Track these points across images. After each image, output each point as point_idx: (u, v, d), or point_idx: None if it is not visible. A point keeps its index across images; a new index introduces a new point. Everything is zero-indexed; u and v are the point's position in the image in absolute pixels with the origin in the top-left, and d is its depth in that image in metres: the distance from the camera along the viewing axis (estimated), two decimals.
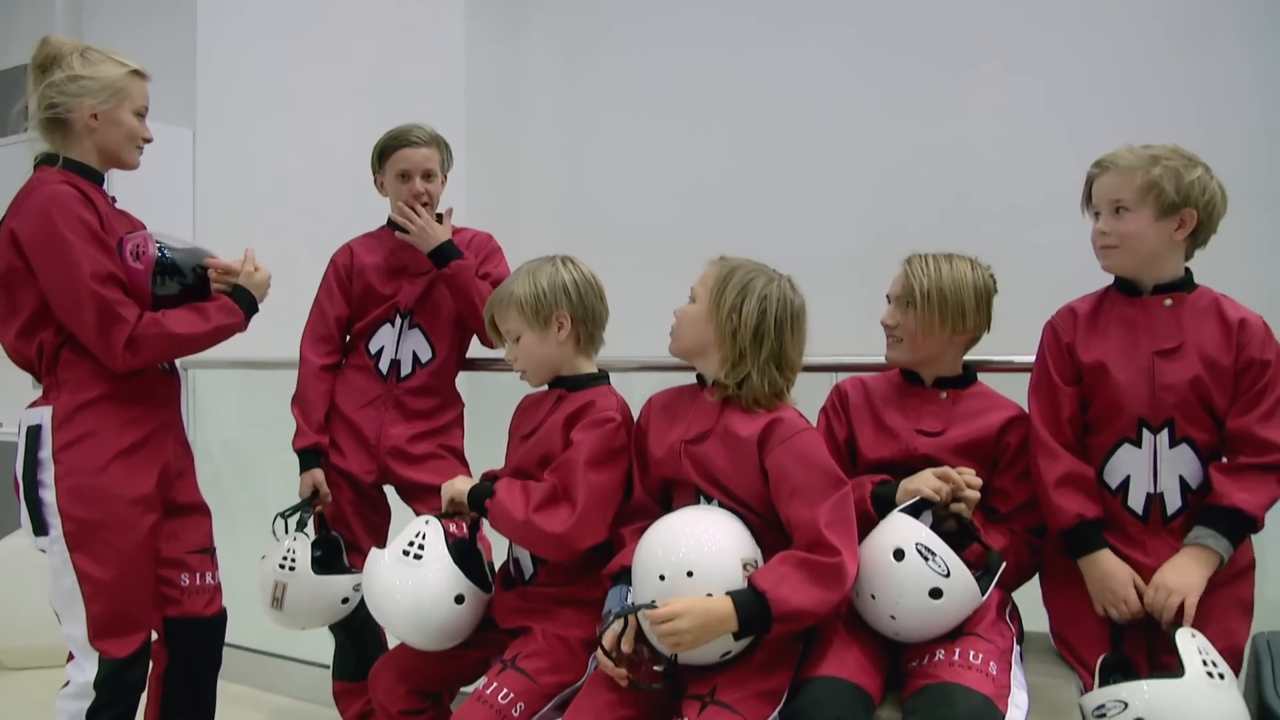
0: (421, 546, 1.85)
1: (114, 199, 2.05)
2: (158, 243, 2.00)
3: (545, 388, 2.02)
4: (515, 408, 2.08)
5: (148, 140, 2.05)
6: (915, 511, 1.73)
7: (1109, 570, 1.73)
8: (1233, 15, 3.46)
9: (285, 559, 2.24)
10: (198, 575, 2.11)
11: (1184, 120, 3.24)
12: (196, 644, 2.13)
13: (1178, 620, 1.64)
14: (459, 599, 1.84)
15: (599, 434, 1.86)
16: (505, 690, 1.74)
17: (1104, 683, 1.63)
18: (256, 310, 2.11)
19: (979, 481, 1.75)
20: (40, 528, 1.91)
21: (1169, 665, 1.59)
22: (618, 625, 1.65)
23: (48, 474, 1.90)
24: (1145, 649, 1.70)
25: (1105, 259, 1.82)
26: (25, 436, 1.92)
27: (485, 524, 1.97)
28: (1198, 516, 1.73)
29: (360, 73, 4.25)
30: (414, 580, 1.83)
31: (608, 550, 1.85)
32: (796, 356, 1.78)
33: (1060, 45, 3.63)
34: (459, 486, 1.94)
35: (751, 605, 1.56)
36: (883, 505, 1.78)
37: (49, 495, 1.89)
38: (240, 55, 3.84)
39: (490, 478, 1.97)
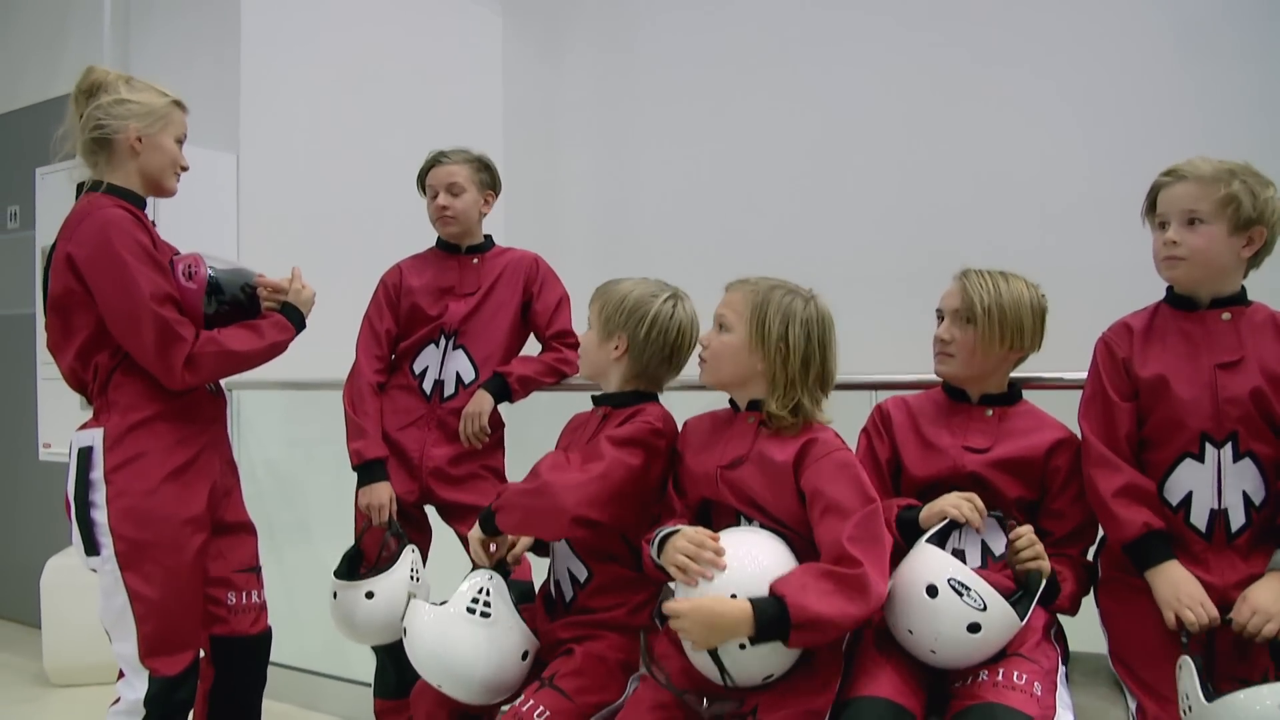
0: (489, 604, 1.81)
1: (153, 223, 2.08)
2: (207, 263, 2.03)
3: (592, 407, 2.03)
4: (564, 425, 2.09)
5: (185, 168, 2.09)
6: (944, 534, 1.70)
7: (1181, 578, 1.68)
8: None
9: (414, 572, 2.26)
10: (244, 594, 2.12)
11: (1239, 131, 3.18)
12: (242, 662, 2.14)
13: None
14: (525, 655, 1.83)
15: (632, 426, 1.87)
16: (541, 708, 1.73)
17: (1205, 689, 1.52)
18: (304, 327, 2.15)
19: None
20: (92, 548, 1.92)
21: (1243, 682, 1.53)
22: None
23: (99, 495, 1.91)
24: (1205, 664, 1.64)
25: (1170, 270, 1.78)
26: (77, 458, 1.94)
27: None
28: (1264, 533, 1.69)
29: (400, 96, 4.30)
30: (484, 640, 1.79)
31: (645, 580, 1.84)
32: (836, 371, 1.79)
33: (1105, 57, 3.58)
34: (474, 529, 1.92)
35: (770, 609, 1.53)
36: (906, 529, 1.75)
37: (101, 516, 1.91)
38: (282, 81, 3.89)
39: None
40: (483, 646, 1.78)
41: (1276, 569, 1.65)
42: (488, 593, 1.82)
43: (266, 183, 3.80)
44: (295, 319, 2.13)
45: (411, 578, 2.25)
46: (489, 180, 2.55)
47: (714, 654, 1.57)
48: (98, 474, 1.92)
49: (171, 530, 1.94)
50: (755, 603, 1.54)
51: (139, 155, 1.99)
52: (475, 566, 1.93)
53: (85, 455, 1.93)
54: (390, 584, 2.23)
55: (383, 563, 2.29)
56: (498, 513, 1.85)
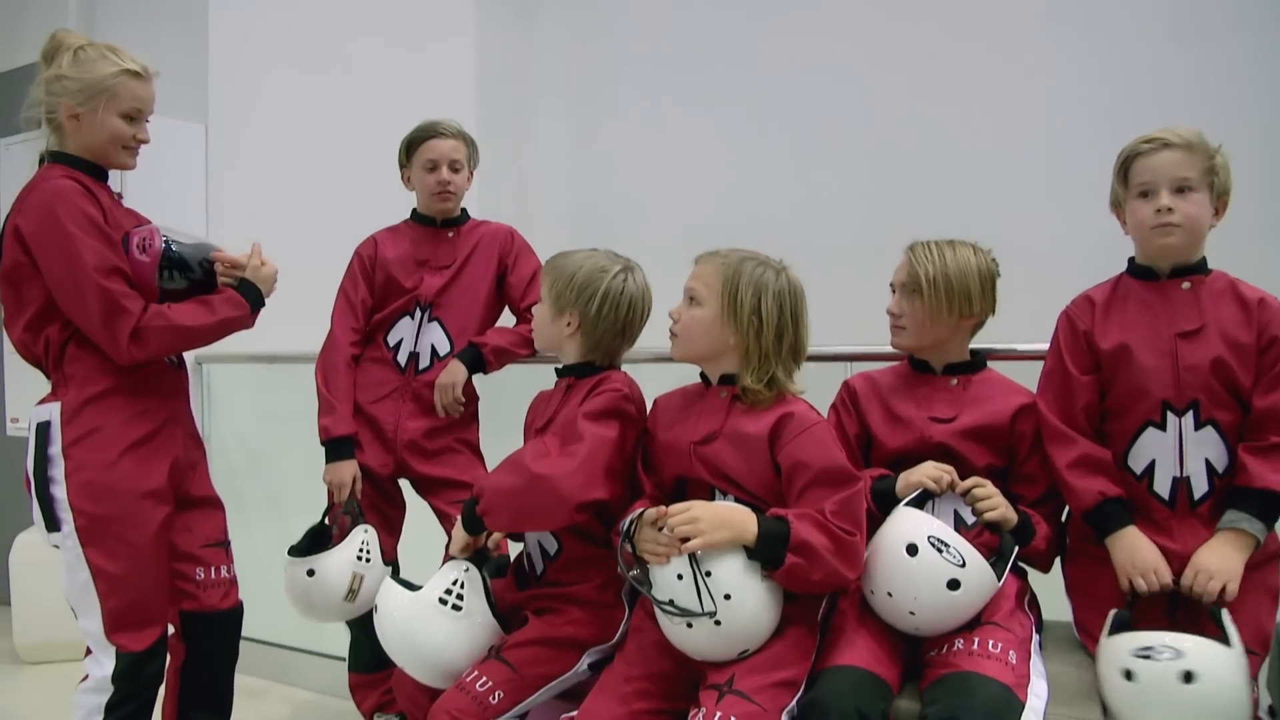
0: (460, 597, 1.80)
1: (120, 195, 2.05)
2: (165, 237, 1.98)
3: (556, 380, 2.02)
4: (530, 403, 2.08)
5: (141, 141, 2.00)
6: (919, 504, 1.72)
7: (1137, 544, 1.71)
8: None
9: (362, 551, 2.24)
10: (212, 569, 2.11)
11: (1190, 108, 3.21)
12: (214, 638, 2.13)
13: (1217, 603, 1.62)
14: (494, 650, 1.83)
15: (602, 397, 1.85)
16: (485, 679, 1.74)
17: (1113, 634, 1.61)
18: (263, 304, 2.09)
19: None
20: (52, 524, 1.91)
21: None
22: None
23: (58, 470, 1.89)
24: (1166, 627, 1.67)
25: (1164, 238, 1.75)
26: (35, 433, 1.91)
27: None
28: (1226, 499, 1.72)
29: (372, 65, 4.25)
30: (452, 632, 1.79)
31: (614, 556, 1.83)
32: (808, 342, 1.79)
33: (1066, 36, 3.62)
34: (457, 530, 1.88)
35: (772, 524, 1.60)
36: (881, 499, 1.78)
37: (60, 491, 1.89)
38: (252, 50, 3.84)
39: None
40: (449, 638, 1.78)
41: (1224, 528, 1.68)
42: (461, 585, 1.81)
43: (235, 154, 3.75)
44: (252, 296, 2.06)
45: (360, 558, 2.23)
46: (476, 157, 2.54)
47: (706, 577, 1.58)
48: (55, 449, 1.89)
49: (132, 504, 1.92)
50: (759, 515, 1.61)
51: (78, 132, 1.93)
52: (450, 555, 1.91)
53: (43, 430, 1.91)
54: (331, 563, 2.21)
55: (334, 541, 2.28)
56: (485, 515, 1.80)
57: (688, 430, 1.80)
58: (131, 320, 1.88)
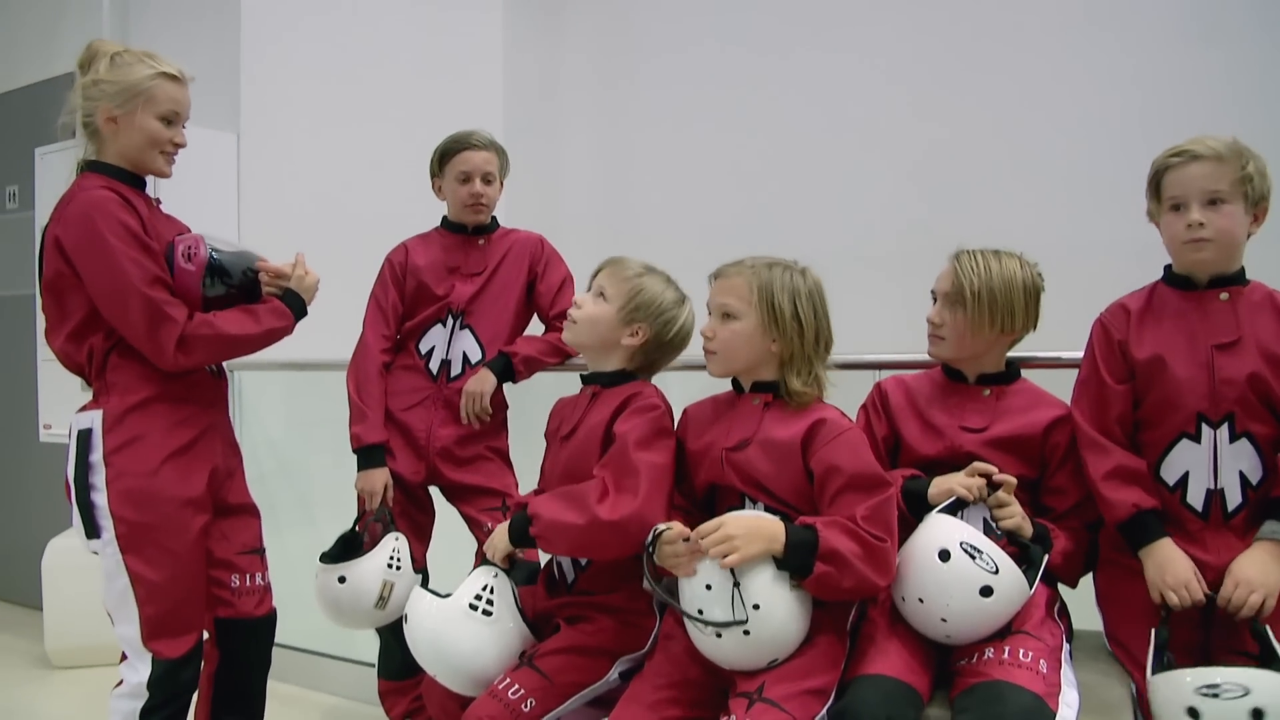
0: (490, 602, 1.81)
1: (158, 201, 2.06)
2: (209, 245, 1.99)
3: (580, 387, 2.02)
4: (550, 411, 2.09)
5: (178, 145, 2.01)
6: (952, 511, 1.72)
7: (1171, 556, 1.70)
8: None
9: (393, 559, 2.24)
10: (248, 576, 2.11)
11: (1217, 111, 3.19)
12: (247, 644, 2.14)
13: (1257, 617, 1.61)
14: (523, 656, 1.83)
15: (644, 420, 1.85)
16: (517, 687, 1.75)
17: (1159, 660, 1.59)
18: (305, 314, 2.11)
19: (1012, 480, 1.74)
20: (92, 531, 1.91)
21: (1238, 658, 1.57)
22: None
23: (99, 477, 1.90)
24: (1201, 639, 1.66)
25: (1196, 253, 1.74)
26: (76, 440, 1.92)
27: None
28: (1261, 511, 1.70)
29: (400, 77, 4.29)
30: (482, 637, 1.80)
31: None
32: (833, 334, 1.82)
33: (1103, 38, 3.59)
34: (499, 538, 1.88)
35: (801, 532, 1.60)
36: (911, 499, 1.78)
37: (100, 498, 1.89)
38: (283, 61, 3.88)
39: (519, 506, 1.93)
40: (479, 643, 1.79)
41: (1263, 539, 1.67)
42: (491, 590, 1.82)
43: (267, 162, 3.80)
44: (295, 305, 2.08)
45: (390, 566, 2.23)
46: (507, 167, 2.55)
47: (736, 587, 1.59)
48: (97, 456, 1.90)
49: (172, 512, 1.93)
50: (787, 524, 1.61)
51: (116, 136, 1.93)
52: (483, 559, 1.92)
53: (84, 438, 1.91)
54: (362, 570, 2.22)
55: (366, 548, 2.29)
56: (540, 539, 1.82)
57: (720, 437, 1.81)
58: (176, 329, 1.89)
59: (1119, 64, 3.56)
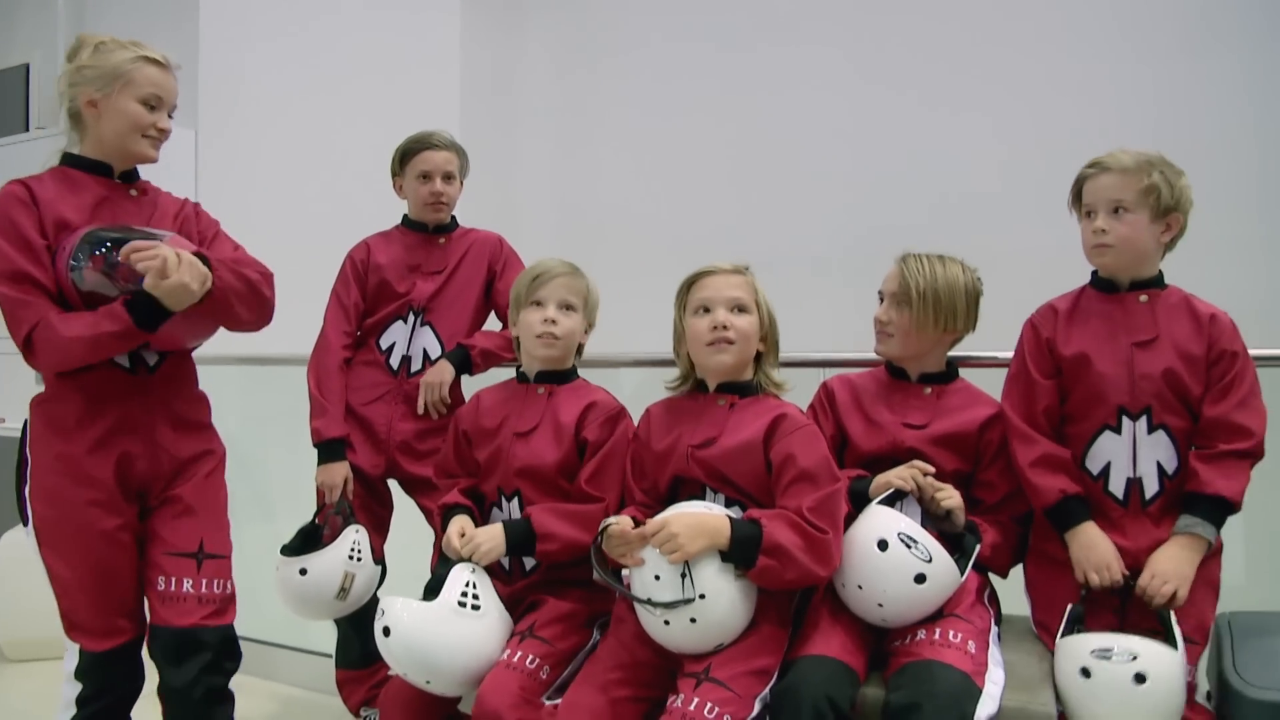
0: (476, 597, 1.85)
1: (140, 191, 2.00)
2: (98, 236, 1.82)
3: (527, 380, 2.10)
4: (483, 401, 2.13)
5: (162, 130, 1.95)
6: (890, 503, 1.82)
7: (1094, 539, 1.82)
8: (1213, 18, 3.53)
9: (354, 551, 2.28)
10: (172, 580, 1.94)
11: (1159, 123, 3.31)
12: (167, 657, 1.93)
13: (1166, 606, 1.73)
14: (528, 630, 1.90)
15: (621, 432, 2.02)
16: (532, 656, 1.82)
17: (1068, 630, 1.73)
18: (163, 317, 1.81)
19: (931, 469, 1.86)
20: (24, 519, 1.93)
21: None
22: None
23: (27, 468, 1.92)
24: (1117, 620, 1.78)
25: (1100, 257, 1.89)
26: (21, 428, 1.95)
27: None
28: (1176, 499, 1.83)
29: (360, 73, 4.31)
30: (475, 632, 1.83)
31: None
32: None
33: (1034, 52, 3.70)
34: (496, 543, 1.91)
35: (745, 527, 1.70)
36: (857, 499, 1.87)
37: (26, 489, 1.91)
38: (242, 56, 3.89)
39: (453, 506, 2.02)
40: (474, 639, 1.82)
41: (1179, 534, 1.79)
42: (474, 585, 1.86)
43: (225, 159, 3.80)
44: (141, 309, 1.79)
45: (351, 557, 2.27)
46: (467, 167, 2.60)
47: (683, 578, 1.67)
48: (27, 448, 1.93)
49: (71, 511, 1.87)
50: (733, 519, 1.70)
51: (98, 121, 1.90)
52: (443, 557, 1.96)
53: (25, 427, 1.94)
54: (324, 562, 2.25)
55: (326, 541, 2.31)
56: (546, 555, 1.92)
57: (686, 434, 1.90)
58: (24, 328, 1.80)
59: (1051, 77, 3.67)
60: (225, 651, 1.95)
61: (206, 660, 1.90)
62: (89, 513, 1.87)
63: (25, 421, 1.93)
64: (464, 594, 1.84)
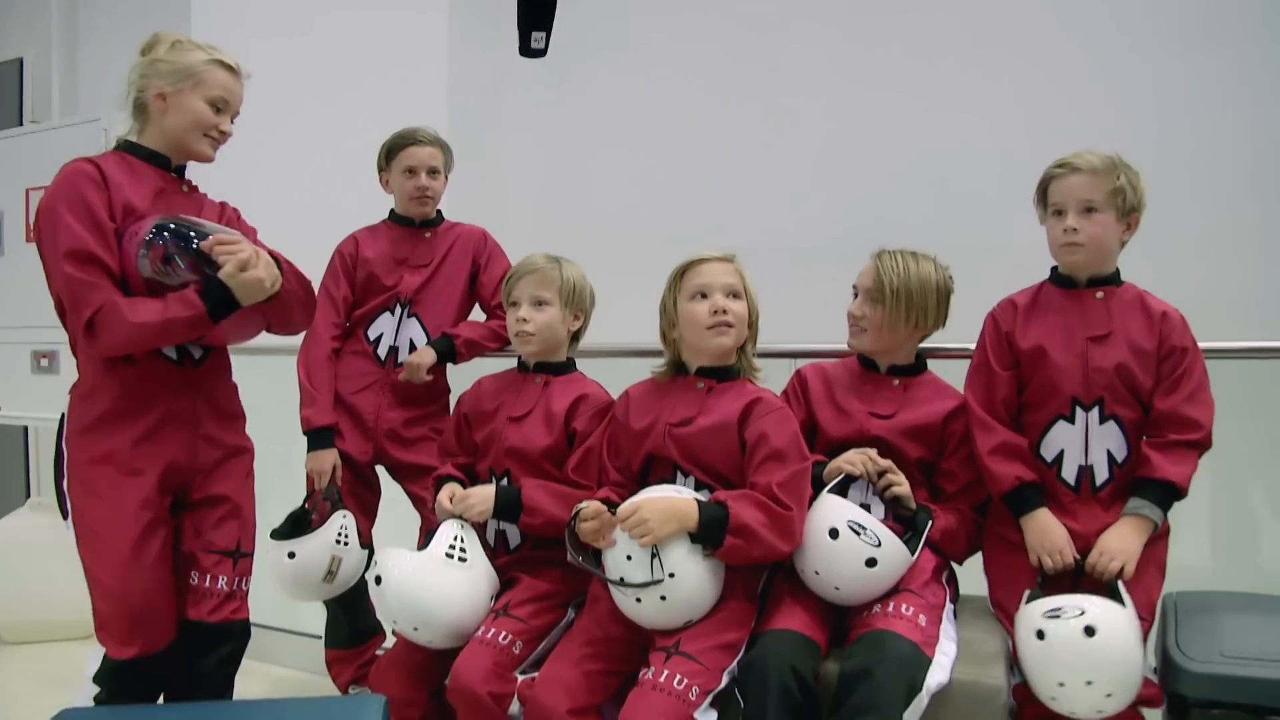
0: (464, 549, 1.98)
1: (191, 186, 2.04)
2: (174, 224, 1.85)
3: (527, 370, 2.21)
4: (484, 387, 2.24)
5: (224, 133, 1.99)
6: (843, 487, 1.92)
7: (1048, 525, 1.90)
8: (1192, 20, 3.59)
9: (341, 535, 2.35)
10: (208, 577, 1.98)
11: (1160, 123, 3.36)
12: (195, 651, 1.99)
13: (1114, 580, 1.82)
14: (493, 596, 2.01)
15: (602, 419, 2.12)
16: (505, 633, 1.92)
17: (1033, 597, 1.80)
18: (235, 306, 1.86)
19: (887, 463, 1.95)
20: (64, 513, 1.91)
21: None
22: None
23: (64, 462, 1.90)
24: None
25: (1069, 255, 1.96)
26: (59, 420, 1.92)
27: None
28: (1125, 486, 1.91)
29: (348, 68, 4.34)
30: (462, 581, 1.95)
31: None
32: None
33: (1007, 49, 3.74)
34: (486, 504, 2.03)
35: (713, 509, 1.78)
36: (814, 484, 1.95)
37: (65, 483, 1.89)
38: (231, 51, 3.93)
39: (445, 476, 2.16)
40: (460, 587, 1.95)
41: (1127, 514, 1.88)
42: (462, 540, 1.99)
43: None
44: (214, 296, 1.83)
45: (339, 541, 2.34)
46: (451, 162, 2.67)
47: (654, 558, 1.76)
48: (64, 440, 1.91)
49: (116, 509, 1.86)
50: (700, 502, 1.79)
51: (164, 115, 1.93)
52: (434, 520, 2.08)
53: (62, 419, 1.92)
54: (312, 546, 2.33)
55: (314, 525, 2.38)
56: (529, 527, 2.04)
57: (664, 414, 1.99)
58: (88, 311, 1.79)
59: (1021, 74, 3.72)
60: (244, 640, 2.04)
61: (229, 650, 2.00)
62: (131, 512, 1.86)
63: (62, 415, 1.92)
64: (452, 546, 1.96)
